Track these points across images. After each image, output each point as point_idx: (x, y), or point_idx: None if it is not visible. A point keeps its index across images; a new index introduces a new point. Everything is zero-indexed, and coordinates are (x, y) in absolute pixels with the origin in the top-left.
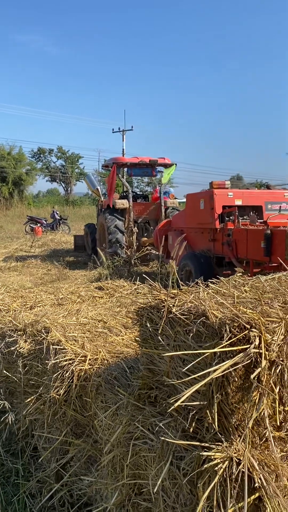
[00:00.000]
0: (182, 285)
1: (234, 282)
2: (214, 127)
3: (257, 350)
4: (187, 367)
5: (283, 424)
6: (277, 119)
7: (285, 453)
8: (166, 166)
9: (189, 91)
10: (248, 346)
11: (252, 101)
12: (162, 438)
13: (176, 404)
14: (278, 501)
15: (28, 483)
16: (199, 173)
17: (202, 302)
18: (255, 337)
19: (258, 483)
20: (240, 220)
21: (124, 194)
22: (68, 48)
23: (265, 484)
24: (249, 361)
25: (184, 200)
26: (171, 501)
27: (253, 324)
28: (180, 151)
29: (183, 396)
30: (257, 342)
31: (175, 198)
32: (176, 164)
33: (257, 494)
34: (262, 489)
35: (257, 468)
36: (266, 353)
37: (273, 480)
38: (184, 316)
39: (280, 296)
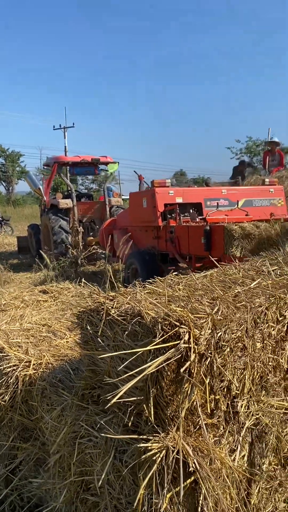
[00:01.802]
0: (121, 287)
1: (169, 281)
2: (158, 124)
3: (187, 345)
4: (123, 365)
5: (214, 411)
6: (219, 115)
7: (217, 438)
8: (109, 164)
9: (131, 88)
10: (178, 342)
11: (195, 98)
12: (103, 434)
13: (113, 400)
14: (211, 483)
15: None
16: (144, 169)
17: (137, 303)
18: (184, 333)
19: (192, 467)
20: (181, 217)
21: (68, 193)
22: (4, 42)
23: (199, 468)
24: (179, 355)
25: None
26: (116, 493)
27: (183, 321)
28: (125, 148)
29: (120, 392)
30: (186, 338)
31: (121, 196)
32: (118, 162)
33: (192, 478)
34: (197, 473)
35: (191, 454)
36: (195, 347)
37: (207, 464)
38: (122, 317)
39: (209, 293)
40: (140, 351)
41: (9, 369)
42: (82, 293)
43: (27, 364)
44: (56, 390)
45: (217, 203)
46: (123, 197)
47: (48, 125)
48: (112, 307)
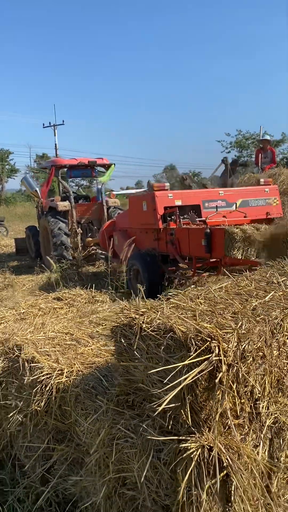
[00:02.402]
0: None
1: (190, 294)
2: (146, 119)
3: (218, 358)
4: (167, 379)
5: (240, 413)
6: (209, 109)
7: (243, 436)
8: (105, 166)
9: (118, 83)
10: (210, 355)
11: (185, 92)
12: (148, 437)
13: (160, 409)
14: (241, 475)
15: (15, 490)
16: (134, 165)
17: (168, 319)
18: (215, 347)
19: (225, 462)
20: (181, 220)
21: (65, 195)
22: None
23: (231, 463)
24: (212, 367)
25: (121, 192)
26: (154, 487)
27: (213, 336)
28: (114, 144)
29: (164, 401)
30: (217, 351)
31: (115, 195)
32: (114, 164)
33: (225, 472)
34: (229, 467)
35: (224, 451)
36: (225, 359)
37: (237, 458)
38: (155, 332)
39: (229, 307)
40: (180, 365)
41: (43, 377)
42: (95, 299)
43: (59, 372)
44: (90, 396)
45: (216, 205)
46: (114, 192)
47: (37, 122)
48: (143, 322)
